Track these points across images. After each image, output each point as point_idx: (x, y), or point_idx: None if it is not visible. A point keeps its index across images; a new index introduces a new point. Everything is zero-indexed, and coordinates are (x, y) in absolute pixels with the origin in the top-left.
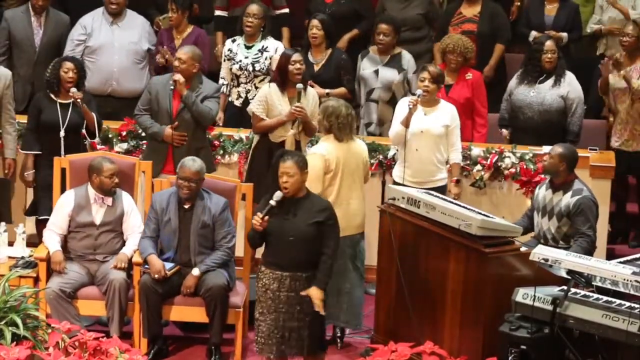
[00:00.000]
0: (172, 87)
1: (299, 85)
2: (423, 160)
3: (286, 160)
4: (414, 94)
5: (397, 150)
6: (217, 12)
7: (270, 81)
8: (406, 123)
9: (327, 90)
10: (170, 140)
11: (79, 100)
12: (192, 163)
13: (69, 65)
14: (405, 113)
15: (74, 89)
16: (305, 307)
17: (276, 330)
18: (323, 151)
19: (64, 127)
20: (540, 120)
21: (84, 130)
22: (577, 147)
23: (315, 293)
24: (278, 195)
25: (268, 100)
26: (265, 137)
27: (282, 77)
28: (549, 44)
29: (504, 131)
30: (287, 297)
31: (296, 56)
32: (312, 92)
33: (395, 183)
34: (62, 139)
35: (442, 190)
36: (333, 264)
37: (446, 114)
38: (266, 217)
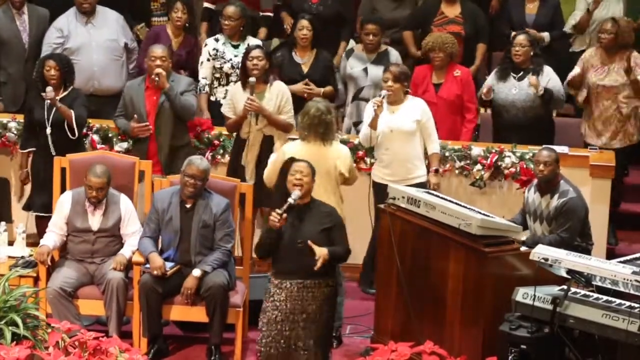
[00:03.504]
0: (156, 80)
1: (251, 80)
2: (397, 159)
3: (300, 162)
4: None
5: (375, 150)
6: (205, 4)
7: (236, 80)
8: (373, 125)
9: (322, 90)
10: (135, 134)
11: (49, 99)
12: (200, 161)
13: (50, 63)
14: (372, 112)
15: (49, 88)
16: (312, 317)
17: (282, 340)
18: (286, 150)
19: (49, 124)
20: (525, 117)
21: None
22: (575, 146)
23: (323, 250)
24: (296, 194)
25: (233, 99)
26: (237, 136)
27: (243, 73)
28: (519, 38)
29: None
30: (294, 306)
31: (254, 52)
32: (279, 87)
33: (374, 183)
34: (49, 136)
35: (422, 187)
36: (343, 255)
37: (415, 109)
38: (284, 215)
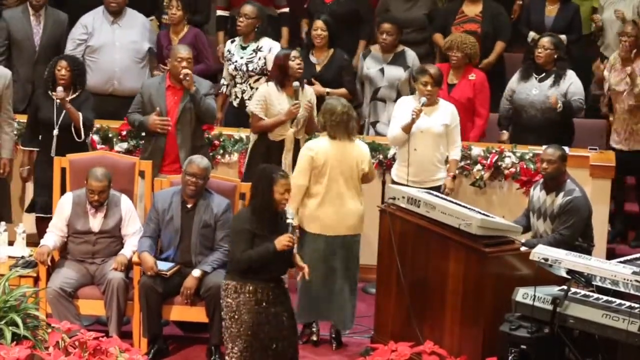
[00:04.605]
0: (186, 81)
1: (295, 84)
2: (423, 160)
3: (287, 177)
4: (412, 95)
5: (397, 149)
6: (219, 12)
7: (267, 80)
8: (407, 130)
9: (328, 90)
10: (155, 127)
11: (59, 100)
12: (201, 160)
13: (62, 64)
14: (404, 113)
15: (59, 89)
16: (289, 311)
17: (271, 342)
18: (312, 146)
19: (58, 125)
20: (543, 118)
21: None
22: (577, 147)
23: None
24: (292, 212)
25: (267, 100)
26: (264, 136)
27: (282, 75)
28: (542, 40)
29: (504, 132)
30: (275, 307)
31: (295, 52)
32: (310, 90)
33: (394, 183)
34: (54, 137)
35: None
36: None
37: (446, 113)
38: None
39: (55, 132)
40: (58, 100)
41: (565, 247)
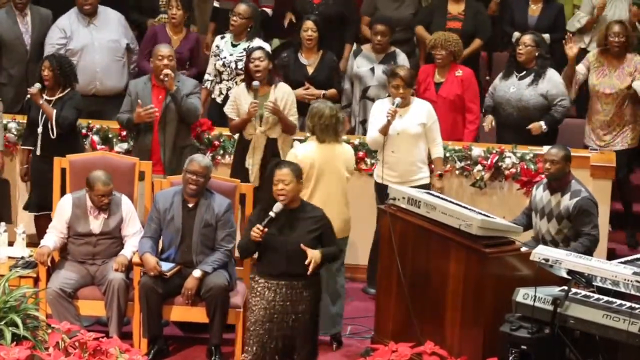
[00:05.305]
0: (165, 81)
1: (255, 83)
2: (402, 161)
3: (282, 168)
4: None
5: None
6: (215, 3)
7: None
8: (384, 131)
9: (323, 92)
10: (142, 118)
11: (29, 94)
12: (202, 158)
13: (45, 64)
14: (380, 116)
15: (36, 85)
16: (301, 317)
17: (270, 340)
18: (297, 152)
19: (42, 123)
20: (519, 116)
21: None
22: (575, 147)
23: (315, 253)
24: (278, 206)
25: (236, 100)
26: (242, 136)
27: (247, 75)
28: (524, 37)
29: (488, 117)
30: (283, 307)
31: (255, 53)
32: (284, 89)
33: (377, 184)
34: (39, 135)
35: (425, 189)
36: (336, 255)
37: (421, 112)
38: (265, 229)
39: (39, 129)
40: (29, 96)
41: (590, 247)
